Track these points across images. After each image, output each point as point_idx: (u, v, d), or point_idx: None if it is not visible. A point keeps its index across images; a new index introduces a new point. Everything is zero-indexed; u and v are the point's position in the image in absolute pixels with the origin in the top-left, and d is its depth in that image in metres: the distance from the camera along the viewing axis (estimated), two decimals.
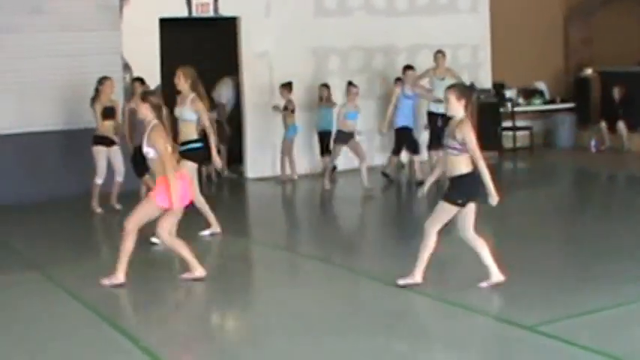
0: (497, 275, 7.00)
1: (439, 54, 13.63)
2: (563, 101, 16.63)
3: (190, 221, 9.28)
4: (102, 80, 11.10)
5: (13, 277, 8.15)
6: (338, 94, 13.61)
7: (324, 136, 13.61)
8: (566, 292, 6.94)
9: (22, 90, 12.02)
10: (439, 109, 11.85)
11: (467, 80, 14.44)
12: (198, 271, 7.62)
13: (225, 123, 14.27)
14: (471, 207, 6.93)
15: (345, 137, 12.30)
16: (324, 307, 6.89)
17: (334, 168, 13.34)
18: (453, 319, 6.53)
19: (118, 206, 11.03)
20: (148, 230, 7.74)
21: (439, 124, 12.12)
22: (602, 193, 12.84)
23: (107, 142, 11.13)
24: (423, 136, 13.59)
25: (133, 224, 7.42)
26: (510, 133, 15.80)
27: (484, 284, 7.00)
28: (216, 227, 9.55)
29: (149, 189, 9.17)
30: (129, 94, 11.93)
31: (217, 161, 9.59)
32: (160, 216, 7.46)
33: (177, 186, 7.30)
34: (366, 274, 7.83)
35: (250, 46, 13.71)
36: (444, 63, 13.61)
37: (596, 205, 11.77)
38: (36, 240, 9.88)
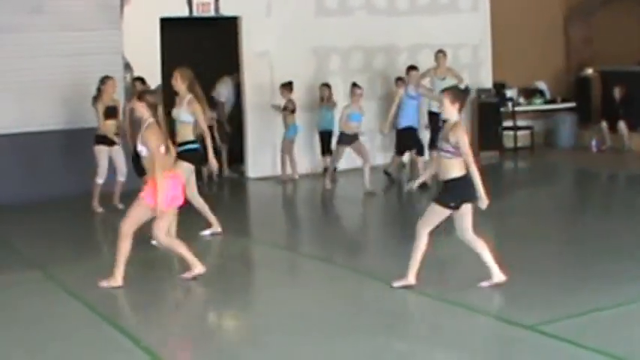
0: (498, 275, 7.00)
1: (440, 54, 13.64)
2: (563, 101, 16.61)
3: (191, 221, 9.30)
4: (104, 80, 11.11)
5: (13, 276, 8.16)
6: (339, 94, 13.60)
7: (324, 136, 13.60)
8: (567, 291, 6.94)
9: (23, 89, 12.01)
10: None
11: (467, 80, 14.47)
12: (198, 268, 7.61)
13: (225, 122, 14.27)
14: (467, 208, 6.92)
15: (348, 139, 12.18)
16: (325, 307, 6.89)
17: (334, 168, 13.33)
18: (453, 318, 6.52)
19: (120, 206, 11.02)
20: (148, 230, 7.73)
21: (440, 124, 12.09)
22: (602, 193, 12.84)
23: (109, 141, 11.14)
24: (424, 136, 13.57)
25: (127, 227, 7.42)
26: (511, 132, 15.79)
27: (485, 284, 7.00)
28: (216, 227, 9.56)
29: None
30: (129, 94, 11.93)
31: (213, 163, 9.49)
32: (156, 216, 7.46)
33: (163, 186, 7.30)
34: (367, 274, 7.82)
35: (251, 45, 13.70)
36: (445, 63, 13.62)
37: (597, 204, 11.76)
38: (36, 240, 9.88)
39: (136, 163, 10.45)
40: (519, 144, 15.86)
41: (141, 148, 7.44)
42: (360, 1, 14.52)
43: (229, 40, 13.85)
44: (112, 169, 11.23)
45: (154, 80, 12.27)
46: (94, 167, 11.10)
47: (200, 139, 9.32)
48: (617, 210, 11.00)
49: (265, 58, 13.77)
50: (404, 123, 12.44)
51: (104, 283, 7.46)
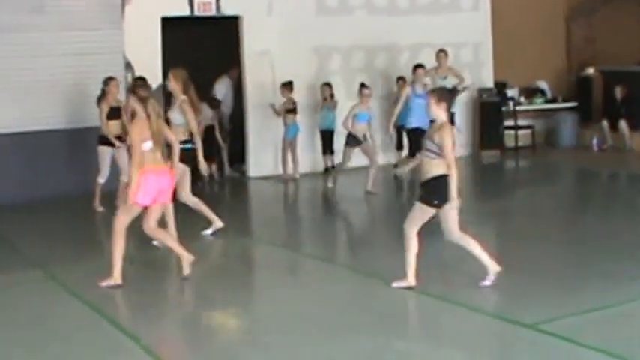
0: (493, 265, 6.99)
1: (441, 53, 13.63)
2: (565, 100, 16.60)
3: (192, 221, 9.31)
4: (107, 80, 11.07)
5: (13, 276, 8.17)
6: (340, 94, 13.59)
7: (326, 135, 13.59)
8: (567, 291, 6.94)
9: (24, 89, 12.02)
10: None
11: (468, 79, 14.46)
12: (186, 258, 7.62)
13: (224, 121, 14.26)
14: (452, 207, 6.89)
15: (356, 141, 11.93)
16: (325, 307, 6.89)
17: (333, 167, 13.32)
18: (453, 318, 6.53)
19: None
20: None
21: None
22: (603, 193, 12.82)
23: (111, 142, 11.12)
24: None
25: (119, 224, 7.45)
26: (512, 132, 15.77)
27: (485, 283, 7.00)
28: (217, 223, 9.47)
29: None
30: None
31: (203, 166, 9.31)
32: (145, 213, 7.50)
33: (137, 180, 7.31)
34: (367, 274, 7.82)
35: (252, 45, 13.71)
36: (446, 62, 13.61)
37: (598, 204, 11.76)
38: (37, 239, 9.88)
39: None
40: (520, 143, 15.85)
41: (129, 142, 7.51)
42: (360, 0, 14.53)
43: (230, 39, 13.86)
44: (114, 168, 11.21)
45: (155, 80, 12.26)
46: (95, 167, 11.09)
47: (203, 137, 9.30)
48: (618, 210, 10.99)
49: (266, 58, 13.77)
50: (414, 123, 11.89)
51: (103, 283, 7.47)
